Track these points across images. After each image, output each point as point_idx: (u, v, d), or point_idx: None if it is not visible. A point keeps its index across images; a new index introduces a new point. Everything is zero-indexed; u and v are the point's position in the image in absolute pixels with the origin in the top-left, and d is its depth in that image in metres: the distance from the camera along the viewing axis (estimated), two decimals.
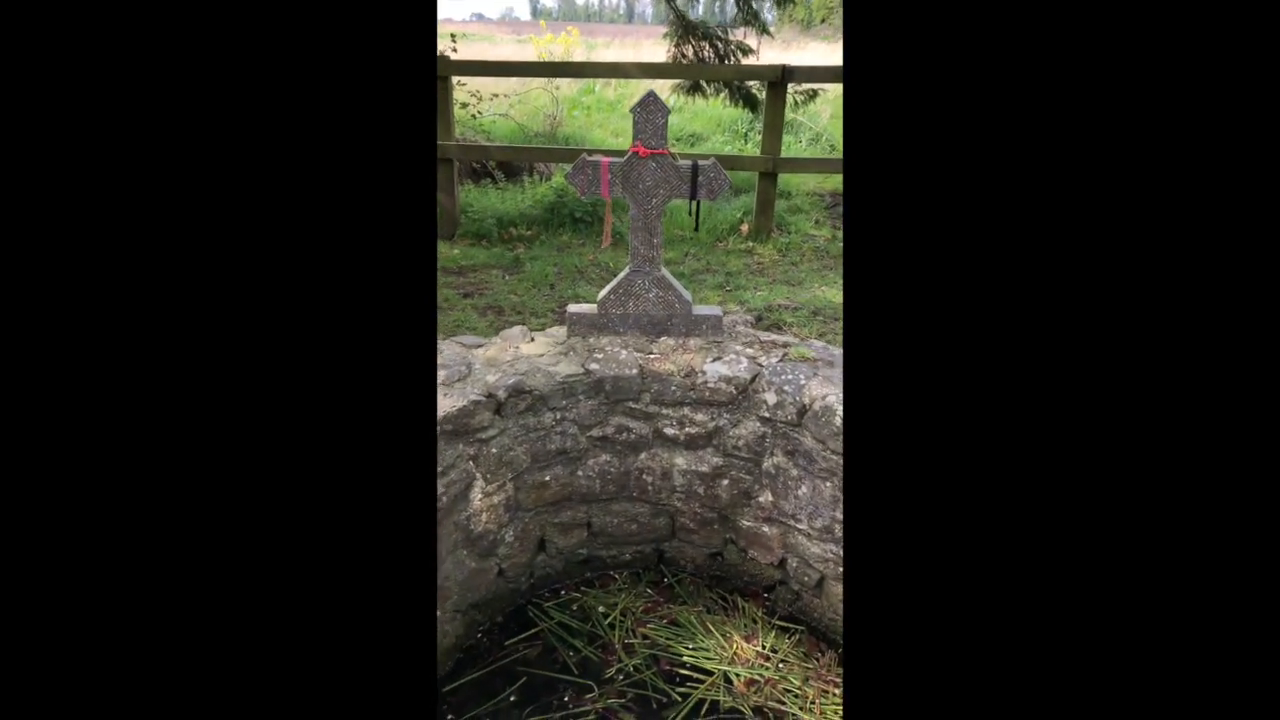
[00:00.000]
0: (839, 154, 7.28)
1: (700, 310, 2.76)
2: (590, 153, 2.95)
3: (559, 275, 4.51)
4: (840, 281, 4.47)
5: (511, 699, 2.35)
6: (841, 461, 2.28)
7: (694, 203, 2.60)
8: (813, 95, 6.22)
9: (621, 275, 2.72)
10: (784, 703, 2.31)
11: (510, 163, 6.39)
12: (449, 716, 2.29)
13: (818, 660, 2.47)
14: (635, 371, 2.54)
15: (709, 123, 8.59)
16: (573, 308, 2.78)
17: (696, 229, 2.67)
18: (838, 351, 2.71)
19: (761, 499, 2.59)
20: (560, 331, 2.84)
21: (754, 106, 5.92)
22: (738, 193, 6.15)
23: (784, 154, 5.37)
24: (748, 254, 5.06)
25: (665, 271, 2.72)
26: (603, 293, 2.75)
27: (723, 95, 6.01)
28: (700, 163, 2.55)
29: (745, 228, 5.34)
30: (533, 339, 2.77)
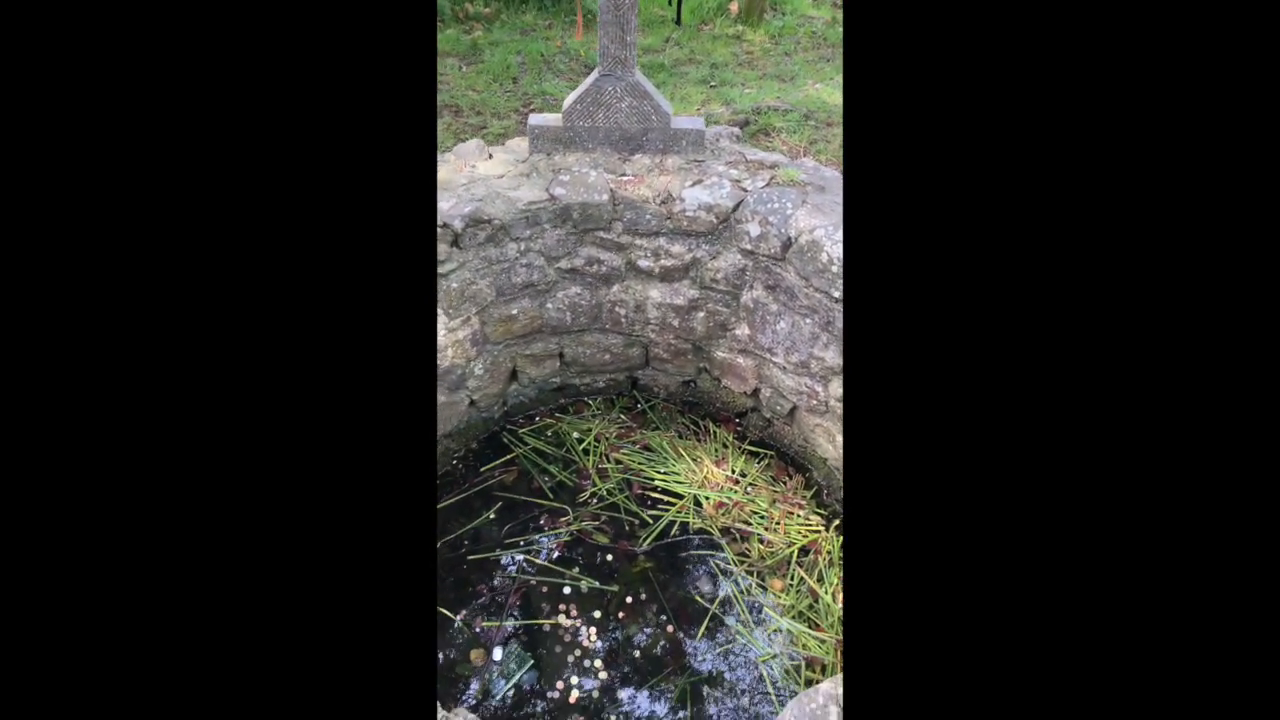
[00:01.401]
0: None
1: (680, 123, 2.45)
2: None
3: (523, 66, 4.00)
4: (836, 77, 4.03)
5: (491, 517, 2.44)
6: (824, 300, 2.16)
7: None
8: None
9: (589, 80, 2.37)
10: (749, 523, 2.43)
11: None
12: None
13: (785, 484, 2.55)
14: (606, 198, 2.30)
15: None
16: (534, 119, 2.45)
17: (678, 22, 2.27)
18: (829, 173, 2.47)
19: (738, 332, 2.51)
20: (521, 145, 2.54)
21: None
22: None
23: None
24: (736, 40, 4.49)
25: (640, 76, 2.36)
26: (568, 101, 2.41)
27: None
28: None
29: (735, 7, 4.69)
30: (490, 155, 2.48)
